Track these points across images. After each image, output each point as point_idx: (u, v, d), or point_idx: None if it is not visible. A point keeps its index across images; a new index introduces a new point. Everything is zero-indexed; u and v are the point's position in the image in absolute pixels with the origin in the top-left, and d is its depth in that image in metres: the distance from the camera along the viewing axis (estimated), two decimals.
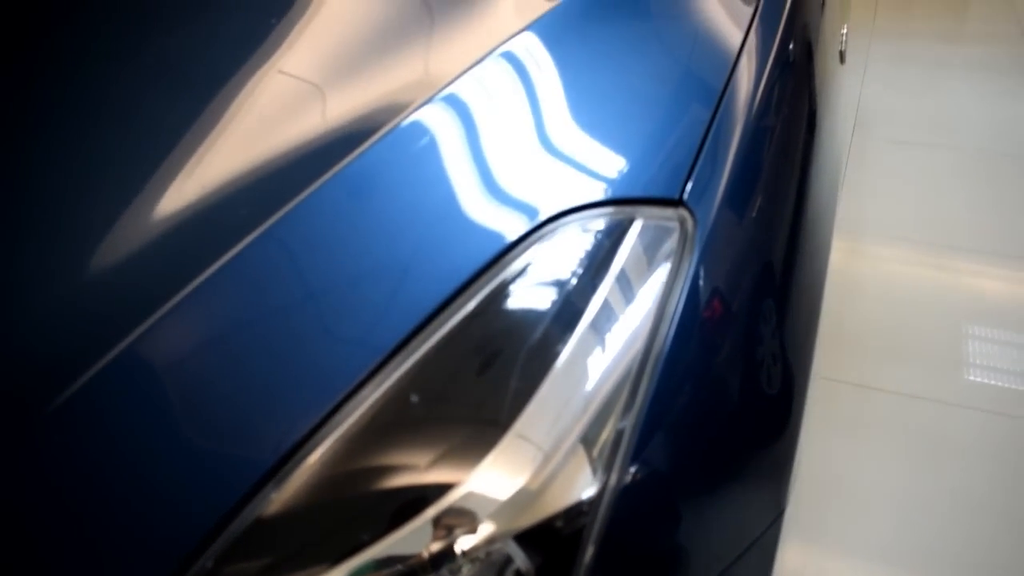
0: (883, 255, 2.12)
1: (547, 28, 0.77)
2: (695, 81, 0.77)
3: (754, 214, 0.71)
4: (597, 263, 0.61)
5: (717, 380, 0.63)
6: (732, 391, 0.65)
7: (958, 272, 2.04)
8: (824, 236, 0.90)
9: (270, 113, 0.72)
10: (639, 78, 0.76)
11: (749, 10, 0.89)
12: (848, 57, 1.35)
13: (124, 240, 0.63)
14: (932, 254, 2.11)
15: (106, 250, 0.63)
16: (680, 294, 0.61)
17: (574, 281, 0.60)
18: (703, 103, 0.74)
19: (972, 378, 1.72)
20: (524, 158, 0.67)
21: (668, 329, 0.59)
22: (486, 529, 0.52)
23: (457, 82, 0.71)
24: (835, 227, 1.04)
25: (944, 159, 2.53)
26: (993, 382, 1.71)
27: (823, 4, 1.15)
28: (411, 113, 0.69)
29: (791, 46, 0.90)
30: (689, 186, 0.66)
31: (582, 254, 0.62)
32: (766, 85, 0.81)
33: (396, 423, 0.54)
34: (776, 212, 0.75)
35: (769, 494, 0.70)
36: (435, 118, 0.69)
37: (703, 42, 0.83)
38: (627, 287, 0.61)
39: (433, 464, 0.53)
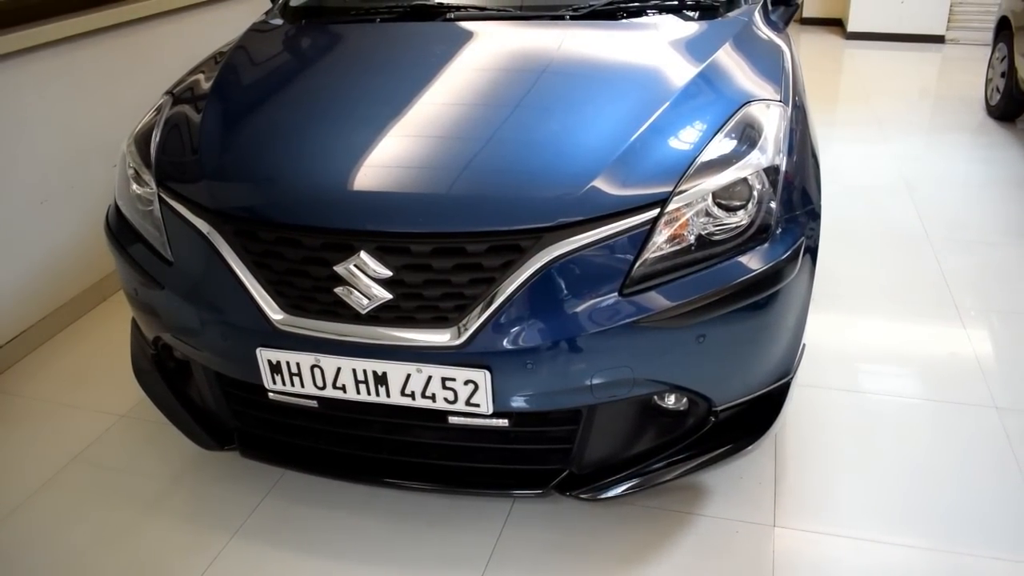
0: None
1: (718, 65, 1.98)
2: (779, 76, 1.99)
3: (799, 110, 1.92)
4: (763, 112, 1.79)
5: (800, 143, 1.82)
6: (805, 148, 1.85)
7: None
8: (814, 133, 2.12)
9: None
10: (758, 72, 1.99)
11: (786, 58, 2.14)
12: None
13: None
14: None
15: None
16: (785, 120, 1.80)
17: (759, 118, 1.77)
18: (780, 82, 1.95)
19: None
20: (735, 90, 1.87)
21: (787, 125, 1.78)
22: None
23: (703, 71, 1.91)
24: None
25: (831, 189, 3.93)
26: None
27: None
28: (692, 79, 1.88)
29: (797, 68, 2.15)
30: (788, 99, 1.86)
31: (759, 110, 1.79)
32: (795, 82, 2.04)
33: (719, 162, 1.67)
34: (801, 112, 1.96)
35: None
36: (704, 82, 1.87)
37: (773, 62, 2.08)
38: (776, 118, 1.78)
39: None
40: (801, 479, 2.08)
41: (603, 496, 1.72)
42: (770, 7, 2.50)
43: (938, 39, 6.89)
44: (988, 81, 5.11)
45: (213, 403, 1.93)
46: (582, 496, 1.70)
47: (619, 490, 1.72)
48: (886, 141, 4.63)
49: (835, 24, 7.52)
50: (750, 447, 1.77)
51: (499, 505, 2.01)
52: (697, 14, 2.26)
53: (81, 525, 2.03)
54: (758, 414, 1.80)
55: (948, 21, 6.84)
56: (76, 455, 2.29)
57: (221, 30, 3.74)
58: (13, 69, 2.70)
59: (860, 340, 2.70)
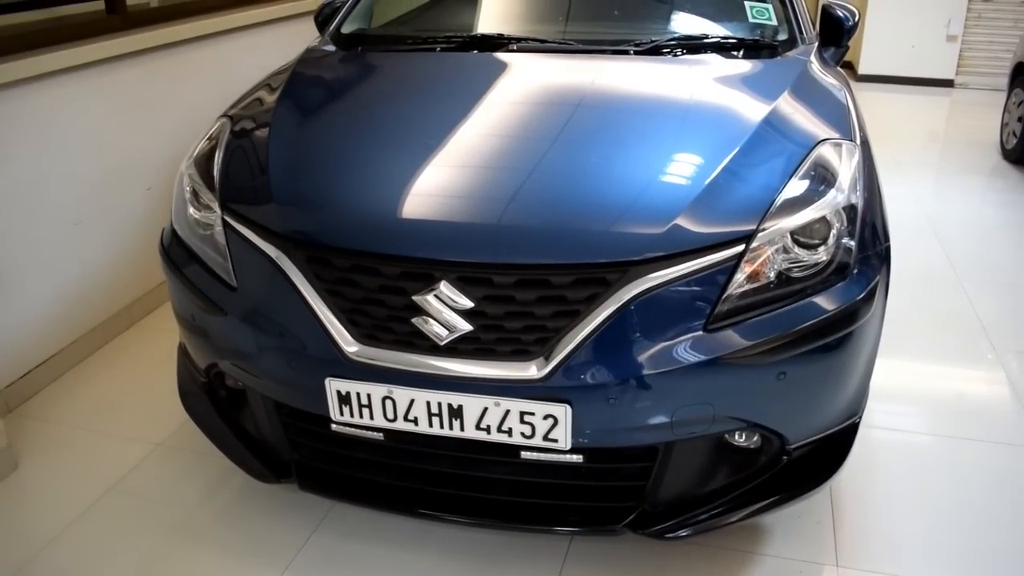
0: None
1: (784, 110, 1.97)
2: (845, 115, 1.99)
3: (865, 146, 1.91)
4: (837, 151, 1.79)
5: (870, 177, 1.81)
6: (874, 185, 1.83)
7: None
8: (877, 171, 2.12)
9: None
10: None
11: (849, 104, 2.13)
12: None
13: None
14: None
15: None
16: (858, 158, 1.80)
17: (833, 158, 1.77)
18: (847, 121, 1.95)
19: None
20: (806, 129, 1.87)
21: (859, 163, 1.78)
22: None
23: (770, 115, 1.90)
24: None
25: None
26: None
27: None
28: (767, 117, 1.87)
29: (858, 105, 2.16)
30: (856, 138, 1.86)
31: (832, 149, 1.79)
32: (858, 116, 2.04)
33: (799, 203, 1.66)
34: (867, 148, 1.95)
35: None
36: (777, 121, 1.87)
37: (837, 101, 2.08)
38: (849, 157, 1.78)
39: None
40: (859, 518, 2.05)
41: (674, 535, 1.68)
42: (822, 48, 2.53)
43: (948, 83, 7.00)
44: (1004, 125, 5.17)
45: (270, 433, 1.88)
46: (666, 536, 1.67)
47: (691, 529, 1.68)
48: (907, 182, 4.67)
49: (845, 66, 7.63)
50: (822, 486, 1.74)
51: (557, 543, 1.96)
52: (759, 54, 2.28)
53: (121, 558, 1.96)
54: (826, 453, 1.77)
55: (958, 66, 6.96)
56: (112, 485, 2.23)
57: (257, 56, 3.74)
58: (52, 88, 2.69)
59: (903, 380, 2.68)
